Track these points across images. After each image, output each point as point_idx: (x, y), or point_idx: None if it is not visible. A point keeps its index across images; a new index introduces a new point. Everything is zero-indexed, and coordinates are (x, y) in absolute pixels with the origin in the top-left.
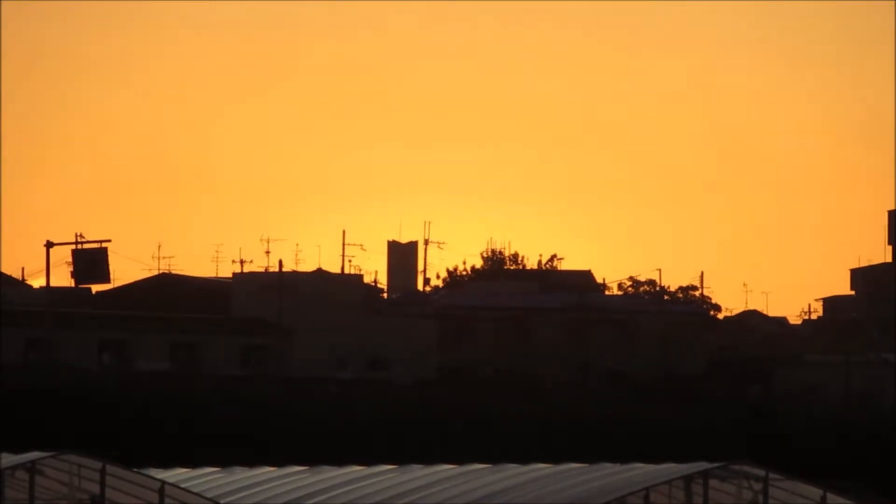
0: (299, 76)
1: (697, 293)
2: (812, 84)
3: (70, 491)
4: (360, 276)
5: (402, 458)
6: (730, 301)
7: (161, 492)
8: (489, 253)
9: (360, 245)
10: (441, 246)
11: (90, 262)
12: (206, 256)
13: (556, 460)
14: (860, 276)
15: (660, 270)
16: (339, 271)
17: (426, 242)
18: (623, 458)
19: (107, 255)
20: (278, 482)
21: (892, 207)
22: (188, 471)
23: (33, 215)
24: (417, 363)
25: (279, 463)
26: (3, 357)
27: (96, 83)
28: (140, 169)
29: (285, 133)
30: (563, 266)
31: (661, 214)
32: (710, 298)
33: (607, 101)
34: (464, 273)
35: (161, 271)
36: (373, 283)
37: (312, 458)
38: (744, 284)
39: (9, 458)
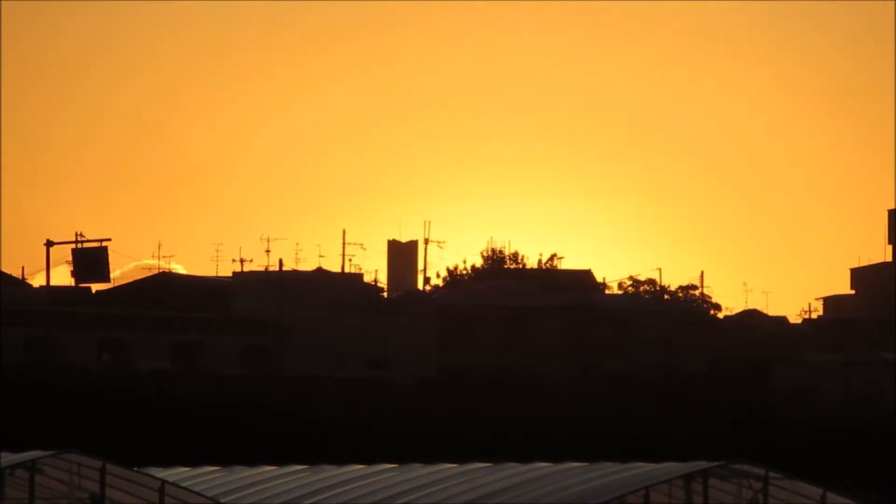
0: (300, 76)
1: (697, 293)
2: (812, 84)
3: (70, 490)
4: (360, 276)
5: (402, 457)
6: (730, 301)
7: (161, 491)
8: (489, 252)
9: (360, 244)
10: (441, 245)
11: (90, 260)
12: (207, 255)
13: (556, 459)
14: (860, 276)
15: (660, 270)
16: (339, 271)
17: (426, 242)
18: (623, 457)
19: (107, 254)
20: (278, 481)
21: (892, 207)
22: (188, 470)
23: (33, 215)
24: (417, 363)
25: (279, 462)
26: (3, 356)
27: (96, 83)
28: (140, 168)
29: (286, 133)
30: (563, 265)
31: (661, 214)
32: (710, 298)
33: (607, 100)
34: (464, 272)
35: (161, 270)
36: (373, 283)
37: (312, 457)
38: (744, 284)
39: (9, 457)
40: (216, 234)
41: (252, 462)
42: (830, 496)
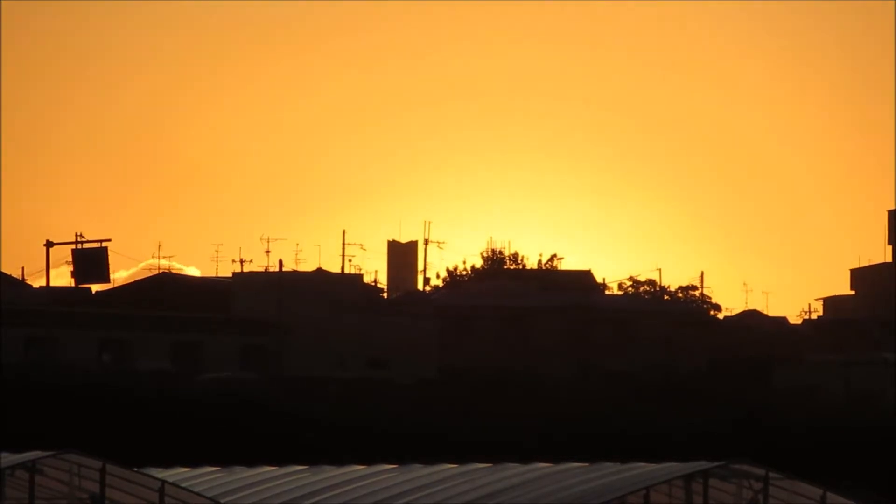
0: (299, 76)
1: (697, 293)
2: (812, 84)
3: (70, 490)
4: (360, 276)
5: (402, 457)
6: (730, 301)
7: (161, 491)
8: (489, 252)
9: (361, 245)
10: (441, 245)
11: (90, 261)
12: (207, 256)
13: (556, 460)
14: (860, 276)
15: (660, 270)
16: (339, 271)
17: (426, 242)
18: (623, 457)
19: (107, 255)
20: (278, 481)
21: (892, 207)
22: (188, 470)
23: (33, 215)
24: (417, 363)
25: (279, 462)
26: (3, 356)
27: (96, 83)
28: (140, 169)
29: (285, 133)
30: (563, 266)
31: (661, 214)
32: (710, 298)
33: (607, 100)
34: (464, 273)
35: (161, 271)
36: (373, 283)
37: (312, 457)
38: (744, 284)
39: (9, 458)
40: (216, 234)
41: (252, 462)
42: (830, 496)
